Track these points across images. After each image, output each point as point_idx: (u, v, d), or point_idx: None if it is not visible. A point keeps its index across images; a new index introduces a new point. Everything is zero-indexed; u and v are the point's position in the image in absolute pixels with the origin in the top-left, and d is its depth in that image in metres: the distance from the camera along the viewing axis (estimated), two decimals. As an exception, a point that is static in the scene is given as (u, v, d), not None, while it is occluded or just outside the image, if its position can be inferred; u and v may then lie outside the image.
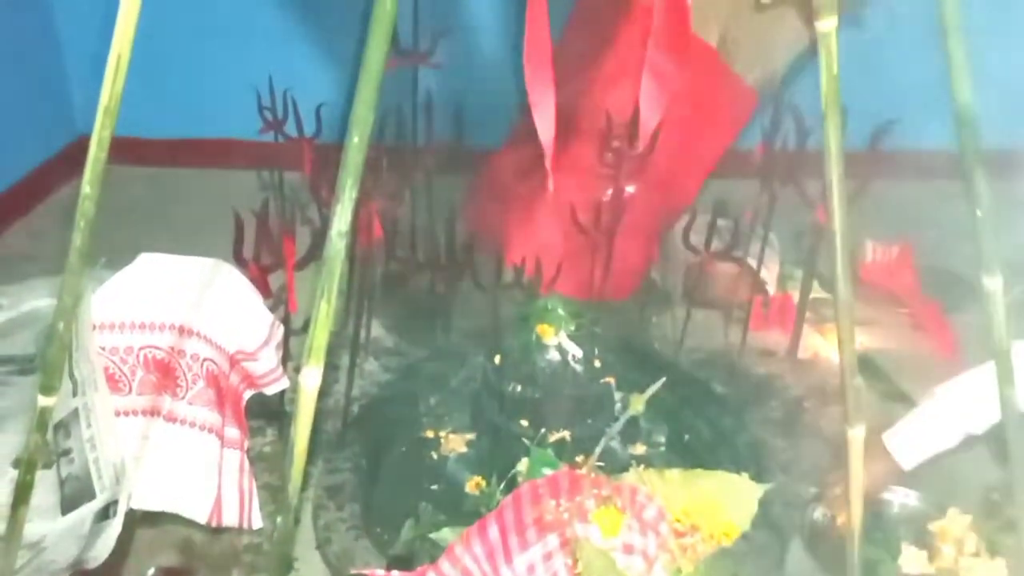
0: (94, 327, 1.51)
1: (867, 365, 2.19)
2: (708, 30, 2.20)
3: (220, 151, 3.17)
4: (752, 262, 2.22)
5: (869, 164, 1.95)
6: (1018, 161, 3.19)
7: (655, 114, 0.92)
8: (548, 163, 0.85)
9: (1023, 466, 1.02)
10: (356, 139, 0.95)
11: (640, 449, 1.86)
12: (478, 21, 2.92)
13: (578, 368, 1.86)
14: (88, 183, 0.66)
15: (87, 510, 1.46)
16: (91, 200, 0.67)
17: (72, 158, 3.09)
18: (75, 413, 1.46)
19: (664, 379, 1.86)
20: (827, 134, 0.95)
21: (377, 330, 2.24)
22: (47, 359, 0.78)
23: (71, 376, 1.46)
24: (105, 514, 1.48)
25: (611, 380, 1.88)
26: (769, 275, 2.38)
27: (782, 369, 2.21)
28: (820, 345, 2.28)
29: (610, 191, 2.04)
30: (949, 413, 1.61)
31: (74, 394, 1.47)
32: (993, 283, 0.88)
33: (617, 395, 1.89)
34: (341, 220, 0.95)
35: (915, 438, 1.63)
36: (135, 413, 1.56)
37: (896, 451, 1.63)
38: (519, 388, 1.82)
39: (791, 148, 2.05)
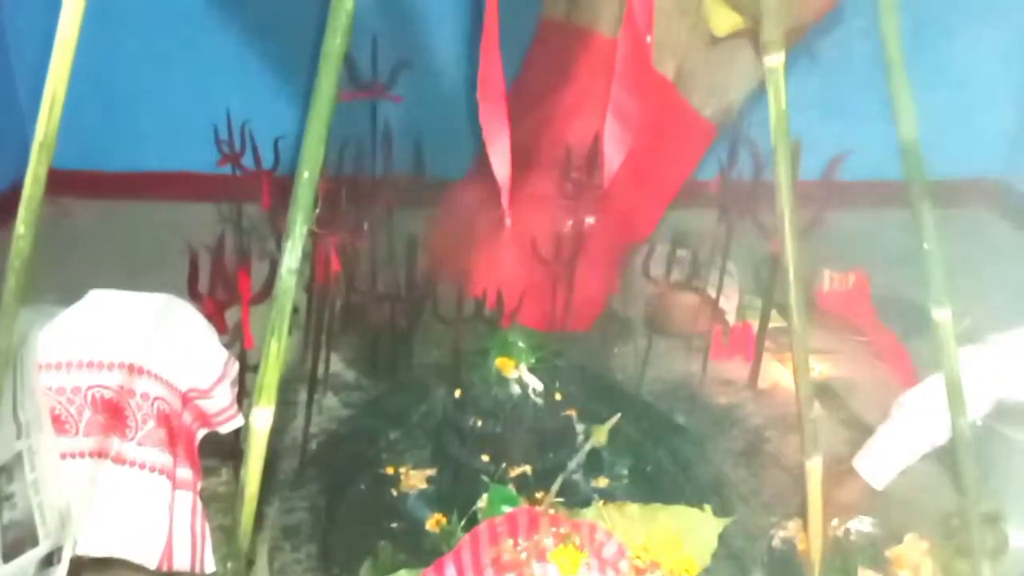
0: (40, 366, 1.46)
1: (826, 393, 2.20)
2: (664, 64, 2.23)
3: (178, 184, 3.13)
4: (712, 292, 2.23)
5: (825, 194, 1.98)
6: (969, 189, 3.27)
7: (620, 152, 0.92)
8: (504, 200, 0.84)
9: (975, 490, 1.02)
10: (306, 175, 0.94)
11: (603, 482, 1.84)
12: (438, 54, 2.93)
13: (539, 401, 1.84)
14: (23, 222, 0.64)
15: (30, 557, 1.40)
16: (26, 240, 0.65)
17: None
18: (19, 456, 1.41)
19: (621, 413, 1.85)
20: (777, 166, 0.96)
21: (336, 365, 2.20)
22: (-19, 404, 0.75)
23: (15, 418, 1.41)
24: (49, 561, 1.42)
25: (573, 413, 1.87)
26: (729, 305, 2.40)
27: (743, 399, 2.21)
28: (780, 374, 2.29)
29: (570, 222, 2.05)
30: (911, 427, 1.65)
31: (18, 436, 1.42)
32: (942, 314, 0.90)
33: (579, 427, 1.87)
34: (291, 257, 0.94)
35: (883, 457, 1.66)
36: (82, 455, 1.51)
37: (867, 473, 1.66)
38: (480, 422, 1.80)
39: (747, 179, 2.07)
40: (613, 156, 0.96)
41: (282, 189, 2.18)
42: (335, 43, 0.84)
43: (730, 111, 2.38)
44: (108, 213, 3.06)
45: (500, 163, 0.83)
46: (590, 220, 2.12)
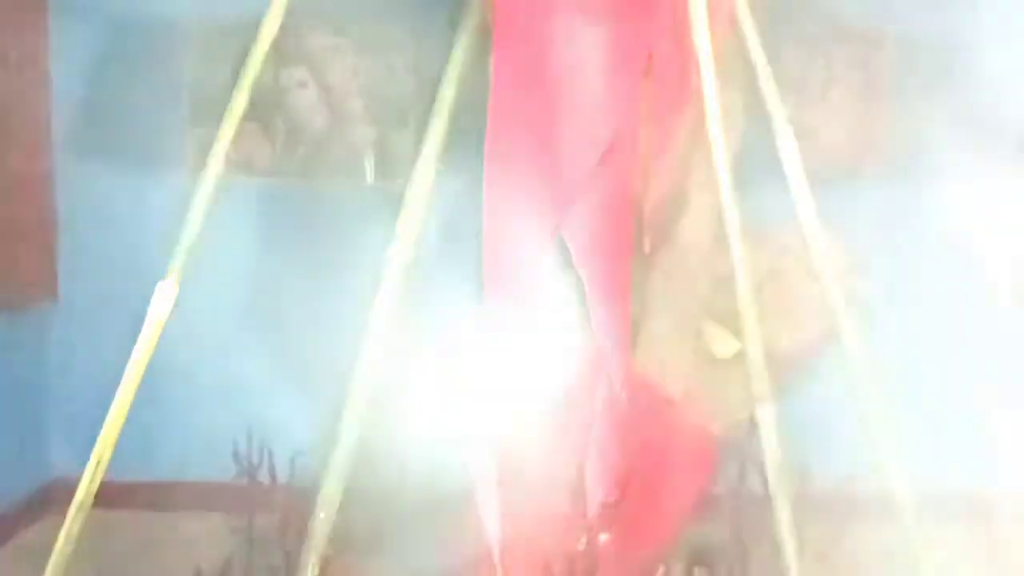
0: None
1: None
2: (671, 385, 2.33)
3: (188, 493, 3.13)
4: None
5: (843, 510, 1.97)
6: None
7: (601, 490, 0.97)
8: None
9: None
10: (322, 515, 0.97)
11: None
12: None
13: None
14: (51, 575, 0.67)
15: None
16: (49, 594, 0.67)
17: (41, 502, 3.03)
18: None
19: None
20: (778, 514, 0.99)
21: None
22: None
23: None
24: None
25: None
26: (753, 629, 2.28)
27: None
28: None
29: (584, 540, 2.02)
30: None
31: None
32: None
33: None
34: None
35: None
36: None
37: None
38: None
39: (759, 494, 2.07)
40: (595, 493, 1.01)
41: (295, 503, 2.19)
42: (359, 398, 0.92)
43: (738, 427, 2.44)
44: (117, 525, 3.03)
45: (492, 525, 0.89)
46: (604, 537, 2.09)
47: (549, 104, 0.94)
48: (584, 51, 0.99)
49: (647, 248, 1.00)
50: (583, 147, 0.94)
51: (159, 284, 0.59)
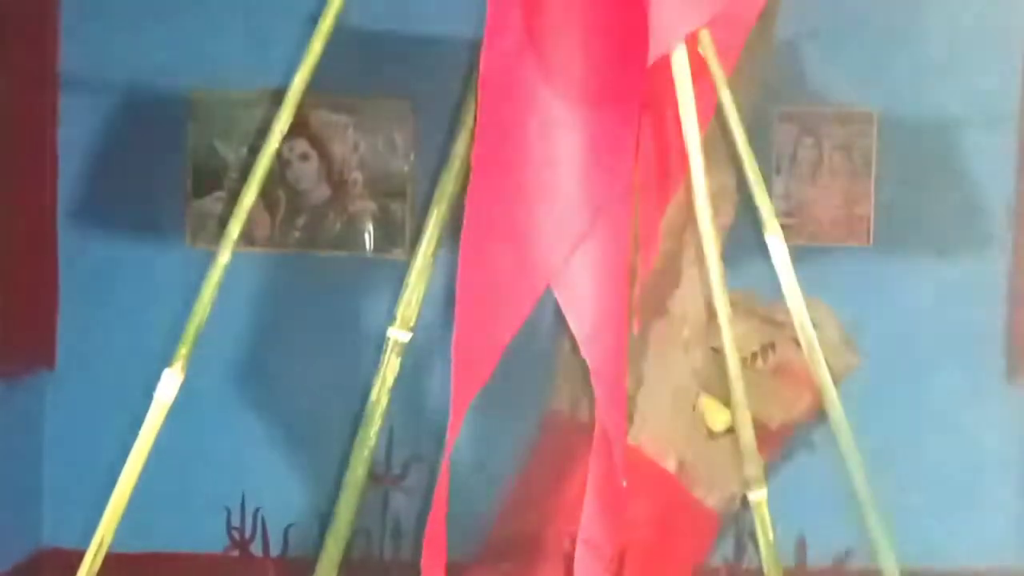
0: None
1: None
2: (666, 459, 2.34)
3: (181, 566, 3.08)
4: None
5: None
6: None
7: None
8: None
9: None
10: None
11: None
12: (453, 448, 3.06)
13: None
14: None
15: None
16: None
17: (32, 571, 2.98)
18: None
19: None
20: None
21: None
22: None
23: None
24: None
25: None
26: None
27: None
28: None
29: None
30: None
31: None
32: None
33: None
34: None
35: None
36: None
37: None
38: None
39: (756, 567, 2.05)
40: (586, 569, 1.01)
41: (288, 573, 2.17)
42: (356, 474, 0.94)
43: (733, 501, 2.43)
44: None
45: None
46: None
47: (528, 190, 0.97)
48: (566, 138, 1.02)
49: (636, 329, 1.02)
50: (562, 234, 0.96)
51: (165, 371, 0.61)
